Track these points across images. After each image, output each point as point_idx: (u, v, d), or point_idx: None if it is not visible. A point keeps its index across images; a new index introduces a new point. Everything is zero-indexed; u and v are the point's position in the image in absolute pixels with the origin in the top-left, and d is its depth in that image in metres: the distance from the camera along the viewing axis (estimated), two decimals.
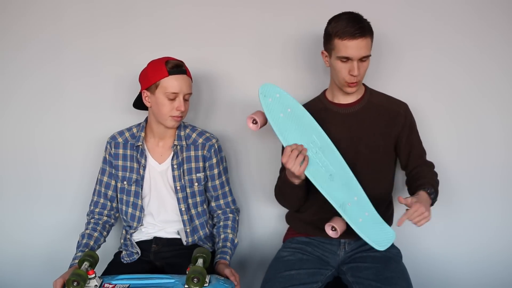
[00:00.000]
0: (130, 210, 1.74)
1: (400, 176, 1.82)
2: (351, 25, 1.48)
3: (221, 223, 1.75)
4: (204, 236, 1.77)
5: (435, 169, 1.68)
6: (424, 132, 1.76)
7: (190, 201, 1.73)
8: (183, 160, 1.71)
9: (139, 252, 1.74)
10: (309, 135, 1.51)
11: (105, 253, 1.79)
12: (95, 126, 1.99)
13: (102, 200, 1.76)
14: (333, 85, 1.65)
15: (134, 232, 1.76)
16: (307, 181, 1.51)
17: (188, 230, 1.73)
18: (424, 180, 1.57)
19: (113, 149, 1.75)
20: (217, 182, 1.75)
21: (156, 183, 1.73)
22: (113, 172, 1.75)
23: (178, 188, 1.71)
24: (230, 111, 1.96)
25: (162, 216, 1.75)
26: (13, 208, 2.06)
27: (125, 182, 1.74)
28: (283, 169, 1.54)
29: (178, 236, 1.76)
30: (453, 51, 1.85)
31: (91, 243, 1.67)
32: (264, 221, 2.03)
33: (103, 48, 1.95)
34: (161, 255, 1.74)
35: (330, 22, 1.55)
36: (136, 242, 1.76)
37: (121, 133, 1.77)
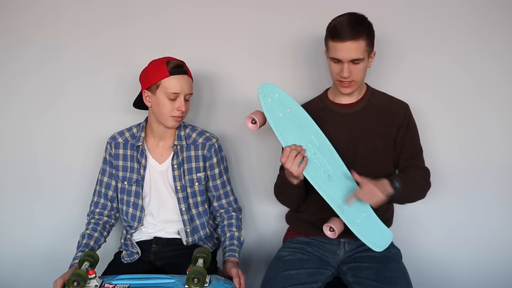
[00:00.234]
0: (130, 210, 1.74)
1: None
2: (344, 28, 1.47)
3: (225, 222, 1.74)
4: (205, 236, 1.77)
5: (430, 179, 1.68)
6: (424, 132, 1.76)
7: (190, 201, 1.73)
8: (183, 160, 1.71)
9: (139, 252, 1.74)
10: (308, 135, 1.51)
11: (105, 253, 1.79)
12: (95, 126, 1.99)
13: (102, 201, 1.76)
14: (334, 85, 1.66)
15: (135, 232, 1.76)
16: (305, 181, 1.51)
17: (188, 230, 1.73)
18: (399, 174, 1.60)
19: (113, 149, 1.75)
20: (218, 181, 1.75)
21: (156, 183, 1.73)
22: (113, 172, 1.75)
23: (179, 188, 1.71)
24: (231, 111, 1.96)
25: (162, 216, 1.75)
26: (13, 208, 2.06)
27: (125, 182, 1.74)
28: (282, 167, 1.54)
29: (178, 236, 1.76)
30: (453, 51, 1.85)
31: (91, 243, 1.67)
32: (264, 221, 2.03)
33: (103, 48, 1.95)
34: (161, 255, 1.74)
35: (331, 21, 1.55)
36: (136, 242, 1.76)
37: (121, 133, 1.77)
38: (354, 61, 1.51)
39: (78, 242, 1.68)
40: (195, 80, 1.81)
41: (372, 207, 1.54)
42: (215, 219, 1.81)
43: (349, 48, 1.48)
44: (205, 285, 1.41)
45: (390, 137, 1.63)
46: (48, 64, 1.97)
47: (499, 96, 1.86)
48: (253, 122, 1.50)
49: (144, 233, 1.77)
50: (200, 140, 1.73)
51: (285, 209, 1.84)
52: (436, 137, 1.88)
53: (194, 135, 1.74)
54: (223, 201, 1.77)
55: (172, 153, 1.71)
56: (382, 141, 1.62)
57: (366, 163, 1.61)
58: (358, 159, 1.60)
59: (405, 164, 1.65)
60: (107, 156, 1.76)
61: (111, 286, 1.45)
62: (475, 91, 1.86)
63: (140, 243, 1.76)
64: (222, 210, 1.77)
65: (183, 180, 1.71)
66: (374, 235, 1.52)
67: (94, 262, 1.48)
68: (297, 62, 1.91)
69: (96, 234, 1.70)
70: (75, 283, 1.37)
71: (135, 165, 1.72)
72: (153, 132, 1.72)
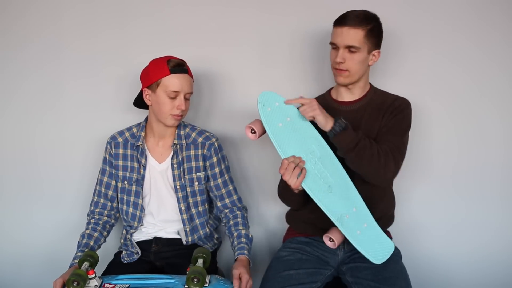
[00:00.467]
0: (131, 209, 1.74)
1: (401, 175, 1.81)
2: (347, 15, 1.53)
3: (231, 222, 1.72)
4: (204, 236, 1.77)
5: (392, 167, 1.53)
6: (424, 132, 1.76)
7: (190, 200, 1.73)
8: (183, 159, 1.71)
9: (139, 252, 1.74)
10: (309, 145, 1.48)
11: (105, 253, 1.80)
12: (95, 126, 1.99)
13: (102, 200, 1.76)
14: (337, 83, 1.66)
15: (135, 232, 1.76)
16: None
17: (187, 230, 1.73)
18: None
19: (113, 149, 1.75)
20: (219, 180, 1.74)
21: (156, 183, 1.73)
22: (113, 172, 1.75)
23: (178, 187, 1.71)
24: (231, 111, 1.96)
25: (162, 215, 1.75)
26: (13, 208, 2.06)
27: (125, 182, 1.74)
28: None
29: (178, 236, 1.76)
30: (453, 51, 1.85)
31: (91, 243, 1.67)
32: (264, 221, 2.03)
33: (103, 48, 1.95)
34: (161, 255, 1.74)
35: None
36: (136, 242, 1.76)
37: (121, 133, 1.77)
38: (350, 49, 1.53)
39: (78, 242, 1.68)
40: (196, 80, 1.81)
41: (372, 218, 1.51)
42: (221, 221, 1.80)
43: (346, 34, 1.51)
44: (205, 285, 1.41)
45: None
46: (48, 64, 1.98)
47: (499, 96, 1.86)
48: (253, 132, 1.48)
49: (144, 233, 1.77)
50: (200, 140, 1.73)
51: (284, 210, 1.84)
52: (436, 137, 1.88)
53: (193, 134, 1.74)
54: (226, 200, 1.76)
55: (172, 152, 1.71)
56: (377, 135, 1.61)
57: None
58: None
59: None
60: (107, 156, 1.76)
61: (111, 286, 1.45)
62: (475, 91, 1.86)
63: (140, 243, 1.76)
64: (227, 210, 1.75)
65: (182, 180, 1.71)
66: (374, 247, 1.50)
67: (94, 262, 1.48)
68: (298, 62, 1.91)
69: (96, 234, 1.70)
70: (75, 283, 1.37)
71: (135, 164, 1.72)
72: (153, 132, 1.73)
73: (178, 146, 1.71)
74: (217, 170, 1.73)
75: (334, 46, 1.56)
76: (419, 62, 1.86)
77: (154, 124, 1.71)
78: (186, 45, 1.92)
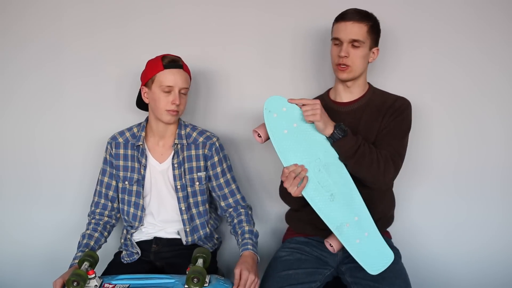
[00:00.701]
0: (132, 210, 1.74)
1: (401, 175, 1.81)
2: (349, 12, 1.55)
3: (235, 221, 1.71)
4: (204, 236, 1.77)
5: (392, 173, 1.54)
6: (424, 132, 1.76)
7: (190, 200, 1.73)
8: (184, 159, 1.71)
9: (139, 252, 1.74)
10: (314, 152, 1.46)
11: (105, 253, 1.80)
12: (95, 126, 1.99)
13: (103, 201, 1.76)
14: (336, 83, 1.66)
15: (135, 232, 1.76)
16: None
17: (187, 230, 1.73)
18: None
19: (113, 149, 1.75)
20: (221, 180, 1.74)
21: (157, 183, 1.73)
22: (113, 172, 1.75)
23: (179, 187, 1.71)
24: (232, 111, 1.96)
25: (162, 215, 1.75)
26: (13, 208, 2.06)
27: (126, 182, 1.74)
28: None
29: (178, 236, 1.76)
30: (453, 51, 1.85)
31: (92, 243, 1.67)
32: (263, 221, 2.03)
33: (103, 48, 1.96)
34: (161, 255, 1.74)
35: None
36: (136, 242, 1.76)
37: (121, 133, 1.77)
38: (353, 44, 1.53)
39: (79, 242, 1.67)
40: (196, 79, 1.81)
41: (375, 227, 1.51)
42: (226, 221, 1.79)
43: (350, 28, 1.53)
44: (205, 285, 1.41)
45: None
46: (48, 64, 1.97)
47: (499, 96, 1.86)
48: (259, 136, 1.48)
49: (144, 233, 1.77)
50: (201, 139, 1.73)
51: (284, 210, 1.84)
52: (436, 137, 1.88)
53: (194, 134, 1.74)
54: (230, 200, 1.75)
55: (173, 152, 1.71)
56: (376, 137, 1.61)
57: None
58: None
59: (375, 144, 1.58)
60: (108, 156, 1.76)
61: (110, 286, 1.45)
62: (475, 91, 1.86)
63: (140, 243, 1.76)
64: (231, 209, 1.75)
65: (183, 179, 1.71)
66: (372, 256, 1.48)
67: (94, 262, 1.48)
68: (298, 61, 1.91)
69: (96, 234, 1.70)
70: (75, 283, 1.37)
71: (136, 164, 1.72)
72: (153, 131, 1.73)
73: (179, 146, 1.71)
74: (218, 169, 1.73)
75: (337, 42, 1.57)
76: (419, 62, 1.86)
77: (154, 123, 1.71)
78: (186, 44, 1.92)
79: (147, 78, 1.65)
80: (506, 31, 1.82)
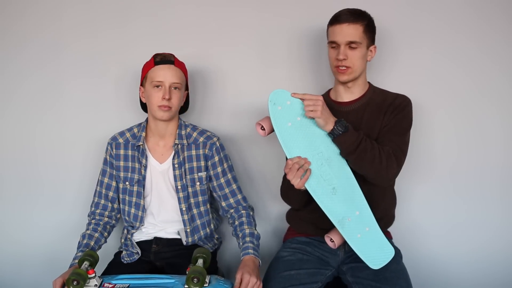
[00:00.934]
0: (132, 210, 1.74)
1: (401, 175, 1.81)
2: (343, 13, 1.54)
3: (236, 222, 1.70)
4: (205, 236, 1.77)
5: (395, 169, 1.53)
6: (424, 132, 1.76)
7: (191, 200, 1.73)
8: (184, 159, 1.71)
9: (139, 252, 1.74)
10: (317, 146, 1.48)
11: (105, 253, 1.79)
12: (95, 126, 1.99)
13: (103, 201, 1.76)
14: (336, 84, 1.66)
15: (135, 232, 1.76)
16: None
17: (188, 230, 1.73)
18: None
19: (114, 150, 1.75)
20: (222, 180, 1.74)
21: (157, 183, 1.73)
22: (113, 173, 1.75)
23: (179, 187, 1.71)
24: (233, 110, 1.96)
25: (162, 216, 1.75)
26: (13, 208, 2.06)
27: (127, 183, 1.73)
28: None
29: (178, 237, 1.76)
30: (452, 51, 1.85)
31: (92, 243, 1.66)
32: (264, 221, 2.03)
33: (103, 48, 1.96)
34: (161, 255, 1.74)
35: None
36: (136, 242, 1.76)
37: (121, 133, 1.77)
38: (350, 45, 1.53)
39: (79, 242, 1.67)
40: (196, 79, 1.81)
41: (375, 222, 1.51)
42: (227, 221, 1.79)
43: (346, 30, 1.52)
44: (205, 285, 1.41)
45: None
46: (48, 64, 1.97)
47: (498, 96, 1.86)
48: (262, 128, 1.48)
49: (144, 233, 1.77)
50: (201, 139, 1.73)
51: (285, 210, 1.84)
52: (436, 137, 1.88)
53: (195, 134, 1.74)
54: (231, 200, 1.74)
55: (173, 152, 1.71)
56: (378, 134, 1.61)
57: None
58: None
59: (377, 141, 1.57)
60: (108, 157, 1.76)
61: (110, 285, 1.44)
62: (475, 91, 1.86)
63: (140, 243, 1.76)
64: (232, 210, 1.74)
65: (184, 180, 1.71)
66: (373, 251, 1.49)
67: (94, 261, 1.48)
68: (298, 61, 1.91)
69: (96, 235, 1.69)
70: (75, 282, 1.37)
71: (136, 165, 1.72)
72: (153, 131, 1.72)
73: (179, 146, 1.71)
74: (219, 169, 1.73)
75: (334, 45, 1.57)
76: (418, 62, 1.86)
77: (153, 123, 1.71)
78: (186, 44, 1.92)
79: (142, 77, 1.68)
80: (506, 31, 1.83)
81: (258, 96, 1.86)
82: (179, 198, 1.72)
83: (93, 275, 1.43)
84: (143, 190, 1.72)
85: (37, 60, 1.98)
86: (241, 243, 1.63)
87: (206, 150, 1.72)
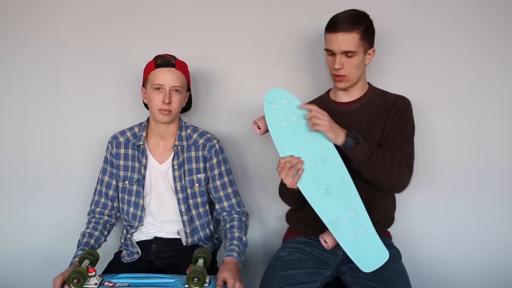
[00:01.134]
0: (131, 209, 1.74)
1: None
2: (339, 20, 1.51)
3: (227, 225, 1.69)
4: (204, 236, 1.77)
5: (408, 176, 1.55)
6: (424, 132, 1.76)
7: (190, 201, 1.73)
8: (184, 160, 1.71)
9: (139, 252, 1.74)
10: (312, 145, 1.47)
11: (106, 253, 1.79)
12: (95, 126, 1.99)
13: (103, 200, 1.76)
14: (335, 86, 1.66)
15: (135, 231, 1.76)
16: None
17: (188, 231, 1.73)
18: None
19: (114, 148, 1.75)
20: (218, 183, 1.74)
21: (157, 183, 1.73)
22: (114, 172, 1.75)
23: (179, 188, 1.71)
24: (233, 110, 1.96)
25: (162, 216, 1.75)
26: (13, 208, 2.06)
27: (126, 182, 1.74)
28: None
29: (178, 236, 1.76)
30: (453, 51, 1.85)
31: (92, 242, 1.66)
32: (264, 221, 2.03)
33: (103, 48, 1.96)
34: (161, 255, 1.74)
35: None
36: (136, 242, 1.76)
37: (122, 132, 1.77)
38: (347, 54, 1.52)
39: (79, 240, 1.67)
40: (194, 79, 1.81)
41: (371, 225, 1.50)
42: (220, 223, 1.79)
43: (341, 40, 1.50)
44: (205, 285, 1.41)
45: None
46: (48, 64, 1.97)
47: (498, 96, 1.86)
48: (259, 127, 1.49)
49: (144, 233, 1.77)
50: (201, 141, 1.73)
51: (284, 210, 1.84)
52: (435, 136, 1.88)
53: (195, 136, 1.74)
54: (225, 203, 1.73)
55: (173, 153, 1.71)
56: (381, 138, 1.61)
57: None
58: None
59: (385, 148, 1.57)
60: (108, 156, 1.76)
61: (110, 284, 1.44)
62: (475, 91, 1.86)
63: (140, 243, 1.76)
64: (225, 213, 1.73)
65: (183, 181, 1.71)
66: (366, 254, 1.47)
67: (94, 260, 1.48)
68: (297, 62, 1.91)
69: (96, 233, 1.69)
70: (75, 280, 1.37)
71: (136, 164, 1.72)
72: (154, 132, 1.73)
73: (179, 147, 1.71)
74: (216, 171, 1.73)
75: (330, 53, 1.55)
76: (418, 62, 1.86)
77: (153, 123, 1.71)
78: (187, 45, 1.92)
79: (143, 78, 1.68)
80: (506, 31, 1.82)
81: (260, 96, 1.85)
82: (178, 199, 1.72)
83: (93, 273, 1.43)
84: (143, 190, 1.72)
85: (37, 60, 1.97)
86: (227, 244, 1.62)
87: (205, 152, 1.72)
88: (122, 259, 1.73)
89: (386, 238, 1.70)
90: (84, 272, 1.40)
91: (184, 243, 1.74)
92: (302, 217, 1.71)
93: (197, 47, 1.93)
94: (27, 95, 2.00)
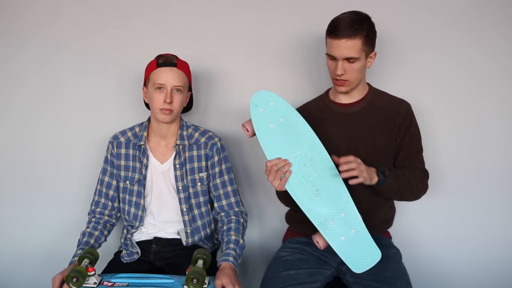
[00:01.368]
0: (132, 209, 1.74)
1: None
2: (341, 25, 1.48)
3: (225, 227, 1.68)
4: (205, 236, 1.77)
5: (428, 181, 1.66)
6: (423, 132, 1.75)
7: (192, 201, 1.73)
8: (186, 159, 1.71)
9: (139, 252, 1.74)
10: (300, 147, 1.45)
11: (105, 252, 1.79)
12: (95, 126, 1.99)
13: (103, 200, 1.76)
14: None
15: (135, 232, 1.76)
16: None
17: (188, 231, 1.73)
18: (391, 168, 1.59)
19: (115, 148, 1.74)
20: (217, 181, 1.73)
21: (158, 183, 1.73)
22: (114, 172, 1.75)
23: (180, 188, 1.71)
24: (229, 111, 1.96)
25: (162, 216, 1.75)
26: (13, 208, 2.06)
27: (127, 182, 1.73)
28: None
29: (178, 237, 1.75)
30: (453, 51, 1.85)
31: (92, 241, 1.66)
32: (264, 221, 2.03)
33: (103, 48, 1.96)
34: (161, 255, 1.74)
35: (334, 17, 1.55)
36: (136, 242, 1.76)
37: (123, 132, 1.77)
38: (349, 60, 1.51)
39: (79, 240, 1.67)
40: (197, 79, 1.80)
41: (363, 225, 1.48)
42: (217, 223, 1.78)
43: (344, 46, 1.48)
44: (204, 286, 1.40)
45: (391, 137, 1.61)
46: (48, 64, 1.98)
47: (498, 96, 1.86)
48: (247, 130, 1.48)
49: (144, 233, 1.77)
50: (203, 140, 1.73)
51: (284, 210, 1.84)
52: (435, 137, 1.88)
53: (196, 134, 1.74)
54: (223, 202, 1.73)
55: (174, 152, 1.71)
56: (383, 141, 1.61)
57: (367, 163, 1.59)
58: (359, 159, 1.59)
59: (403, 163, 1.62)
60: (109, 156, 1.76)
61: (110, 284, 1.44)
62: (475, 91, 1.86)
63: (140, 243, 1.76)
64: (223, 213, 1.72)
65: (185, 180, 1.71)
66: (357, 254, 1.46)
67: (94, 259, 1.48)
68: (296, 62, 1.91)
69: (96, 233, 1.69)
70: (74, 279, 1.37)
71: (137, 164, 1.72)
72: (155, 131, 1.72)
73: (181, 146, 1.71)
74: (217, 169, 1.73)
75: (332, 57, 1.54)
76: (418, 62, 1.86)
77: (155, 123, 1.71)
78: (186, 45, 1.92)
79: (145, 78, 1.67)
80: (506, 31, 1.82)
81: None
82: (180, 199, 1.71)
83: (93, 272, 1.43)
84: (144, 190, 1.72)
85: (37, 60, 1.98)
86: (223, 248, 1.61)
87: (207, 150, 1.72)
88: (122, 259, 1.73)
89: (386, 238, 1.71)
90: (84, 271, 1.40)
91: (184, 243, 1.74)
92: (302, 217, 1.70)
93: (197, 47, 1.92)
94: (27, 95, 2.00)
